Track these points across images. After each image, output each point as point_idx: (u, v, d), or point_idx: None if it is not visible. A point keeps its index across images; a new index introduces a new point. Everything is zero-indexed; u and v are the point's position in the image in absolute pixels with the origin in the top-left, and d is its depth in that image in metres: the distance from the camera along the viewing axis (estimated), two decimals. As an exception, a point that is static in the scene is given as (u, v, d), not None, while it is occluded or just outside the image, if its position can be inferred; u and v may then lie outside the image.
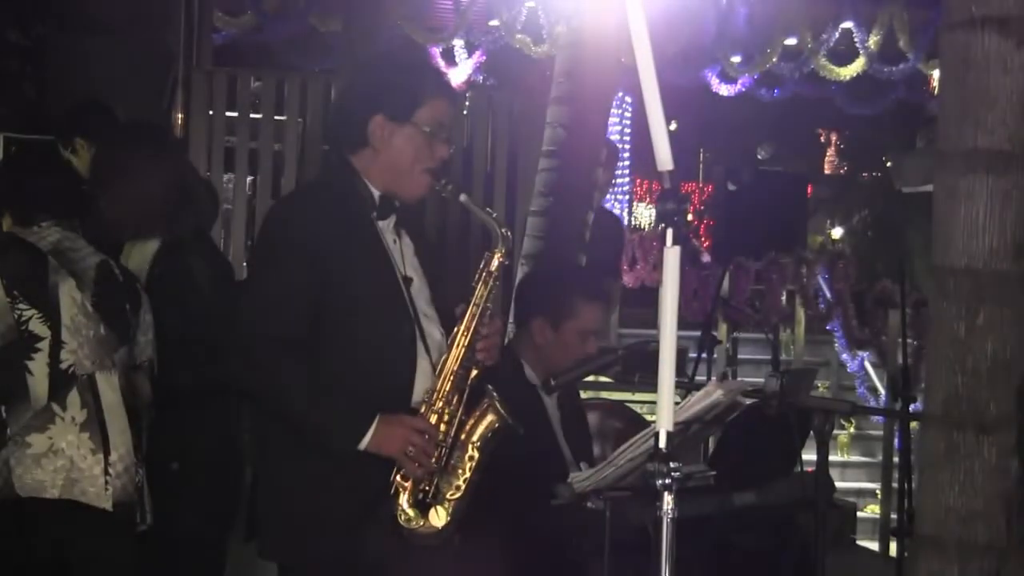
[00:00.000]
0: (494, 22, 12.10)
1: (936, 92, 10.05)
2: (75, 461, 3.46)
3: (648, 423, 4.21)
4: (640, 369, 3.34)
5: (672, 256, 2.08)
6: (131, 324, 3.60)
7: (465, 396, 2.94)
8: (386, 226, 3.00)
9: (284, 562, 2.95)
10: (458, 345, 2.95)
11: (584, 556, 3.39)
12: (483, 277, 2.99)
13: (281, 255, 2.89)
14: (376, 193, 2.98)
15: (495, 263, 2.99)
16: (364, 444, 2.81)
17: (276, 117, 8.65)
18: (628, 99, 14.75)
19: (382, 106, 2.96)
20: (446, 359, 2.94)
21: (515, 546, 3.41)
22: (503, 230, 3.00)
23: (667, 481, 2.14)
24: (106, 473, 3.47)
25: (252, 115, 8.61)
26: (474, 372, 2.96)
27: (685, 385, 3.39)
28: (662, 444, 2.12)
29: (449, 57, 13.08)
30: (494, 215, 3.04)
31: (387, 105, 2.96)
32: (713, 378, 6.97)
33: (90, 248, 3.60)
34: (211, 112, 8.26)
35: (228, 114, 8.35)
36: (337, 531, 2.86)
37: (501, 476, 3.07)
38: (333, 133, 3.08)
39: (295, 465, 2.89)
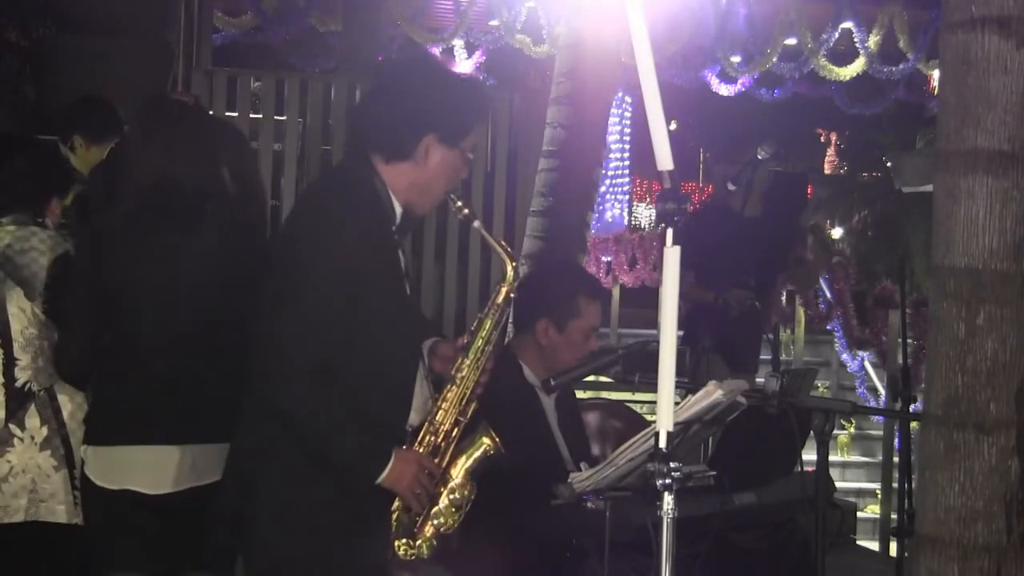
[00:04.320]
0: (494, 22, 12.12)
1: (936, 92, 10.05)
2: (37, 482, 3.42)
3: (648, 423, 4.21)
4: (640, 369, 3.34)
5: (672, 256, 2.08)
6: None
7: (461, 429, 2.94)
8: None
9: (284, 567, 2.90)
10: (464, 379, 2.93)
11: (584, 556, 3.39)
12: (491, 311, 2.97)
13: (320, 281, 2.77)
14: (399, 209, 2.92)
15: (503, 296, 2.97)
16: (381, 479, 2.81)
17: (276, 117, 8.66)
18: (628, 99, 14.76)
19: (437, 126, 2.89)
20: (450, 390, 2.93)
21: (515, 546, 3.41)
22: (514, 264, 2.97)
23: (667, 481, 2.14)
24: (73, 488, 3.43)
25: (252, 115, 8.61)
26: (473, 406, 2.95)
27: (685, 385, 3.39)
28: (662, 444, 2.12)
29: (449, 57, 13.09)
30: (508, 249, 2.99)
31: (443, 127, 2.89)
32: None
33: (53, 240, 3.53)
34: (211, 112, 8.26)
35: (228, 114, 8.35)
36: (337, 541, 2.85)
37: (501, 477, 3.07)
38: (369, 137, 2.93)
39: (299, 477, 2.84)
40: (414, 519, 2.90)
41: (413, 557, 2.91)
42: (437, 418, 2.92)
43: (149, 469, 3.15)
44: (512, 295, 2.98)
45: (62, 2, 7.90)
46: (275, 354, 2.76)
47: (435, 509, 2.91)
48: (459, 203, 2.96)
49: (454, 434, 2.93)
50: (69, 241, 3.55)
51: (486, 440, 2.95)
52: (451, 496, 2.92)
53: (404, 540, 2.90)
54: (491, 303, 2.98)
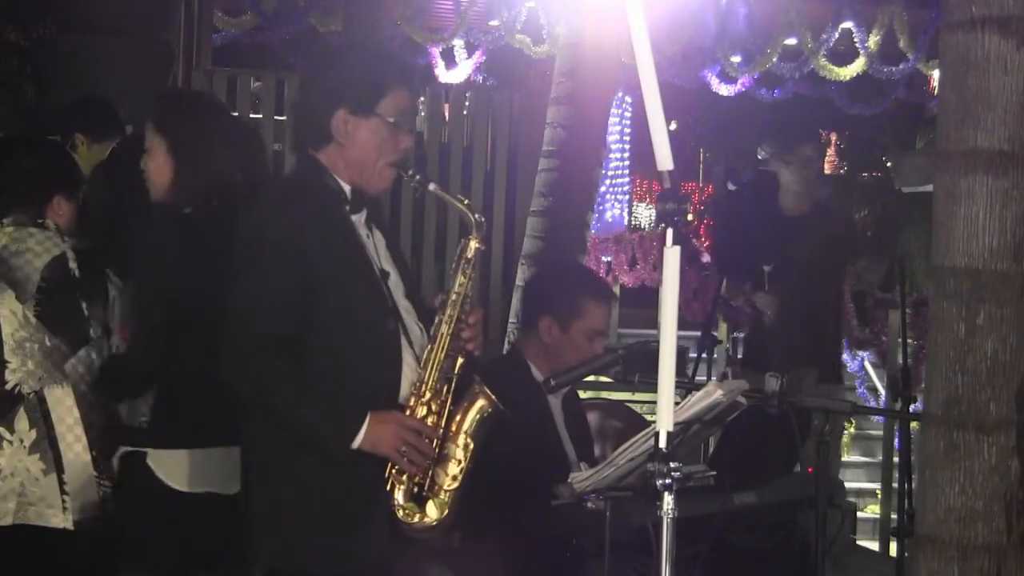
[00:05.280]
0: (494, 22, 12.09)
1: (936, 92, 10.04)
2: (26, 485, 3.40)
3: (648, 423, 4.21)
4: (640, 369, 3.34)
5: (672, 256, 2.08)
6: (88, 322, 3.50)
7: (453, 386, 2.93)
8: (359, 220, 2.98)
9: (281, 567, 2.91)
10: (442, 335, 2.92)
11: (584, 556, 3.39)
12: (461, 265, 2.97)
13: (265, 255, 2.85)
14: (347, 187, 2.96)
15: (471, 250, 2.97)
16: (357, 443, 2.80)
17: (276, 117, 8.66)
18: (628, 99, 14.75)
19: (344, 100, 2.93)
20: (431, 349, 2.93)
21: (515, 546, 3.41)
22: (477, 216, 2.97)
23: (667, 481, 2.14)
24: (63, 492, 3.42)
25: (252, 115, 8.61)
26: (460, 361, 2.95)
27: (685, 385, 3.39)
28: (662, 444, 2.13)
29: (449, 57, 13.08)
30: (466, 201, 3.01)
31: (349, 99, 2.93)
32: (713, 378, 6.96)
33: (50, 242, 3.50)
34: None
35: (228, 114, 8.35)
36: (334, 533, 2.85)
37: (505, 476, 3.07)
38: (296, 131, 3.04)
39: (288, 468, 2.87)
40: (420, 482, 2.88)
41: (428, 523, 2.88)
42: (424, 379, 2.91)
43: (224, 470, 3.15)
44: (479, 247, 2.98)
45: (62, 2, 7.89)
46: (223, 332, 2.83)
47: (438, 469, 2.89)
48: (410, 171, 2.98)
49: (445, 392, 2.92)
50: (67, 243, 3.54)
51: (482, 399, 2.94)
52: (452, 453, 2.90)
53: (414, 505, 2.88)
54: (459, 257, 2.98)
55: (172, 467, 3.21)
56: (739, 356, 5.87)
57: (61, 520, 3.41)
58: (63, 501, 3.40)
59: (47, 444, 3.42)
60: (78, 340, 3.49)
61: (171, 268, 3.25)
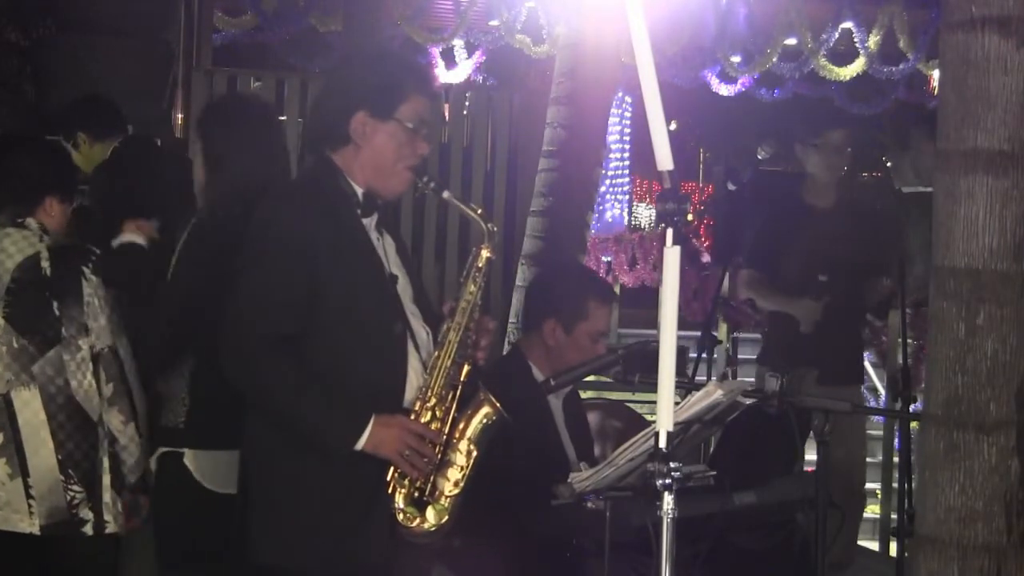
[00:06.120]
0: (494, 22, 12.09)
1: (936, 92, 10.03)
2: None
3: (648, 423, 4.21)
4: (640, 369, 3.34)
5: (672, 256, 2.08)
6: (59, 322, 3.48)
7: (458, 393, 2.93)
8: (370, 224, 2.98)
9: (280, 566, 2.90)
10: (450, 342, 2.93)
11: (584, 556, 3.39)
12: (472, 274, 2.98)
13: (269, 253, 2.86)
14: (359, 190, 2.97)
15: (483, 259, 2.98)
16: (360, 445, 2.81)
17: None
18: (628, 99, 14.75)
19: (364, 102, 2.94)
20: (438, 356, 2.93)
21: (516, 546, 3.41)
22: (489, 225, 2.98)
23: (667, 481, 2.14)
24: (29, 497, 3.39)
25: (252, 115, 8.58)
26: (466, 368, 2.95)
27: (685, 385, 3.39)
28: (662, 444, 2.13)
29: (449, 57, 13.08)
30: (480, 211, 3.02)
31: (369, 101, 2.94)
32: (713, 378, 6.96)
33: (25, 242, 3.47)
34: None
35: (228, 114, 8.32)
36: (335, 533, 2.85)
37: (505, 476, 3.06)
38: (313, 131, 3.05)
39: (288, 468, 2.87)
40: (421, 487, 2.88)
41: (427, 529, 2.88)
42: (429, 384, 2.92)
43: None
44: (491, 257, 2.98)
45: (62, 2, 7.90)
46: (224, 330, 2.84)
47: (440, 475, 2.89)
48: (424, 178, 2.98)
49: (450, 398, 2.92)
50: (44, 241, 3.52)
51: (486, 406, 2.94)
52: (455, 460, 2.90)
53: (414, 510, 2.87)
54: (470, 265, 2.99)
55: (209, 467, 3.21)
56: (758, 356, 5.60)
57: (27, 525, 3.38)
58: (29, 506, 3.37)
59: (13, 448, 3.39)
60: (47, 341, 3.47)
61: (205, 273, 3.25)
